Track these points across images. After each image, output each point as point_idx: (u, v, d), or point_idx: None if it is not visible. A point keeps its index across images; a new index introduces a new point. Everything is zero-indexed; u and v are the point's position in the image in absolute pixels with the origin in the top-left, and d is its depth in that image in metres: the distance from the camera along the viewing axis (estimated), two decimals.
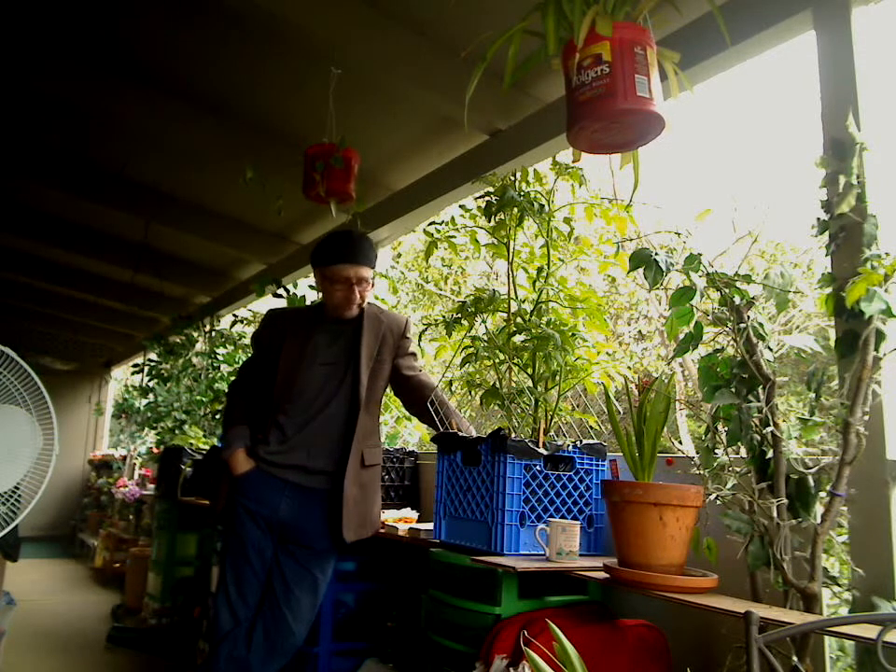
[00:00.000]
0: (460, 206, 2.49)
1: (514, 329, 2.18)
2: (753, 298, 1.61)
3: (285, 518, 2.26)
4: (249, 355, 2.73)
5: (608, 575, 1.63)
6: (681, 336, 1.71)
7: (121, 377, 9.70)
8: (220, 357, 5.15)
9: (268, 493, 2.26)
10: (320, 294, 2.47)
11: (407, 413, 2.93)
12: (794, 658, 1.44)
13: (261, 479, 2.27)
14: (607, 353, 2.21)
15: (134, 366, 6.25)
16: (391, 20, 2.65)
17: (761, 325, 1.61)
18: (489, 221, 2.28)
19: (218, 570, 2.30)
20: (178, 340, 5.48)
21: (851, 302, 1.48)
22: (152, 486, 5.65)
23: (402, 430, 3.46)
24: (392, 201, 3.71)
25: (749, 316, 1.60)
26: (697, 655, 1.84)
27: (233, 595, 2.20)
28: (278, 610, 2.19)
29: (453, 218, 2.42)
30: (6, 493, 2.44)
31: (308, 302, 3.58)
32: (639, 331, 8.03)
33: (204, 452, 4.20)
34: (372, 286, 2.42)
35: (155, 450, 5.69)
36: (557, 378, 2.17)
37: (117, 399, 8.59)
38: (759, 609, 1.18)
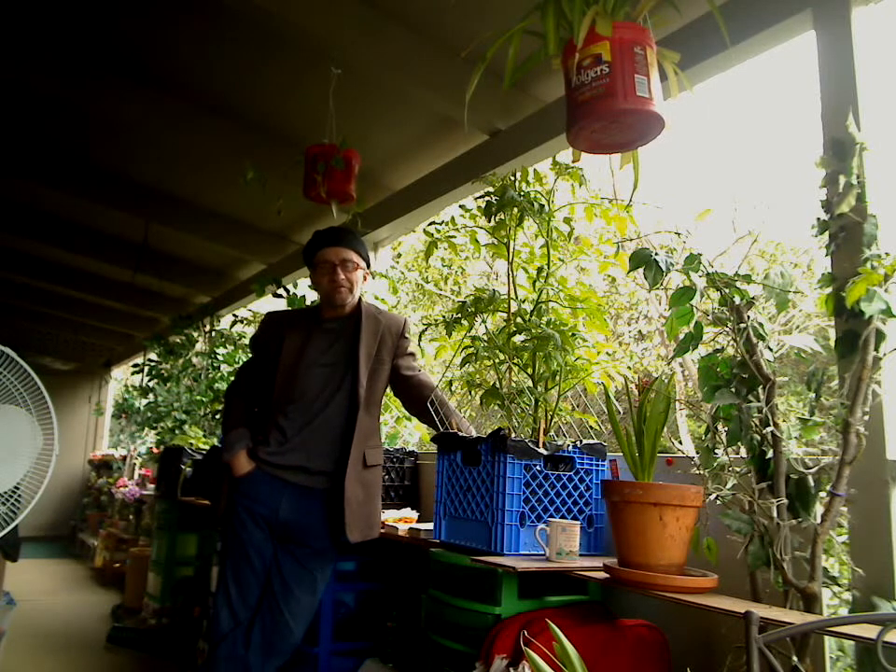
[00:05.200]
0: (460, 206, 2.48)
1: (514, 328, 2.18)
2: (753, 298, 1.61)
3: (285, 518, 2.26)
4: (248, 356, 2.73)
5: (608, 575, 1.63)
6: (681, 336, 1.71)
7: (121, 377, 9.70)
8: (220, 357, 5.15)
9: (268, 493, 2.26)
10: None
11: (407, 413, 2.93)
12: (794, 658, 1.44)
13: (262, 479, 2.27)
14: (607, 353, 2.21)
15: (134, 366, 6.26)
16: (391, 20, 2.65)
17: (761, 325, 1.61)
18: (489, 221, 2.28)
19: (218, 570, 2.29)
20: (178, 340, 5.48)
21: (851, 302, 1.48)
22: (152, 486, 5.65)
23: (402, 430, 3.46)
24: (392, 201, 3.71)
25: (749, 316, 1.60)
26: (697, 655, 1.84)
27: (234, 596, 2.20)
28: (277, 610, 2.19)
29: (453, 218, 2.42)
30: (6, 493, 2.44)
31: (308, 303, 3.59)
32: (639, 331, 8.03)
33: (204, 452, 4.20)
34: (365, 278, 2.43)
35: (155, 450, 5.69)
36: (557, 378, 2.17)
37: (117, 399, 8.59)
38: (759, 609, 1.18)
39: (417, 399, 2.47)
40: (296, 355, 2.34)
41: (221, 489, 2.35)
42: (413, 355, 2.53)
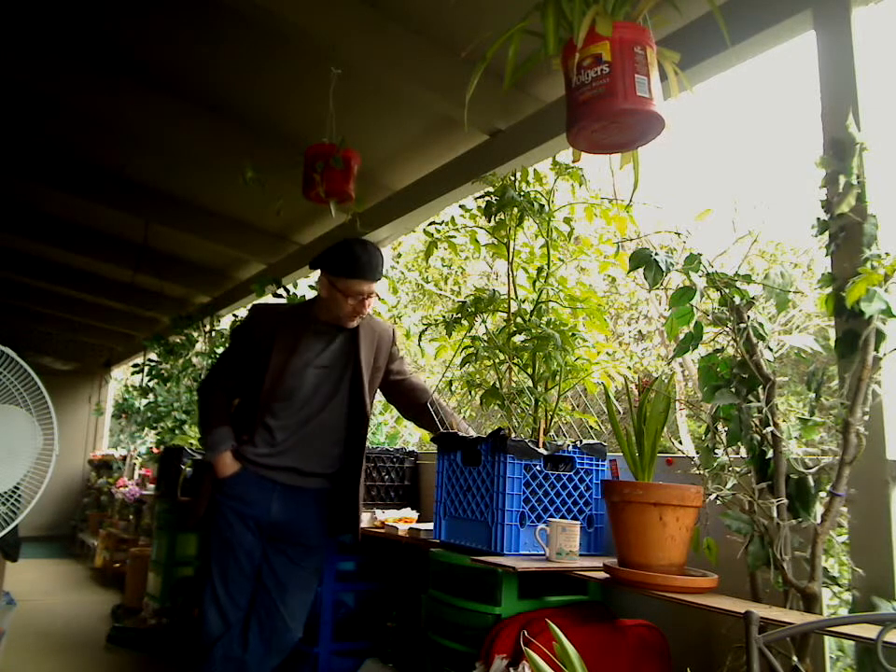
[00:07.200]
0: (460, 206, 2.48)
1: (514, 328, 2.18)
2: (753, 298, 1.61)
3: (277, 518, 2.25)
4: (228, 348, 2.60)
5: (608, 575, 1.63)
6: (681, 336, 1.71)
7: (121, 377, 9.69)
8: None
9: (258, 494, 2.24)
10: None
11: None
12: (794, 658, 1.44)
13: (250, 480, 2.24)
14: (607, 353, 2.21)
15: (134, 366, 6.25)
16: (391, 20, 2.65)
17: (761, 325, 1.61)
18: (489, 221, 2.28)
19: (203, 572, 2.24)
20: (178, 340, 5.48)
21: (851, 302, 1.48)
22: (152, 486, 5.65)
23: (402, 430, 3.47)
24: (392, 201, 3.71)
25: (749, 316, 1.60)
26: (697, 655, 1.84)
27: (222, 597, 2.17)
28: (273, 609, 2.19)
29: (453, 218, 2.42)
30: (6, 493, 2.44)
31: None
32: (639, 331, 8.03)
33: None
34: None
35: (155, 450, 5.69)
36: (557, 378, 2.17)
37: (117, 399, 8.59)
38: (759, 609, 1.18)
39: (413, 401, 2.49)
40: (288, 353, 2.28)
41: (202, 489, 2.29)
42: (403, 359, 2.55)
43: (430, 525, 2.24)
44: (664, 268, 1.63)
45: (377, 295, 2.33)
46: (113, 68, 3.27)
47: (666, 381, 1.72)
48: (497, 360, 2.19)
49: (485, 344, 2.17)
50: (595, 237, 2.30)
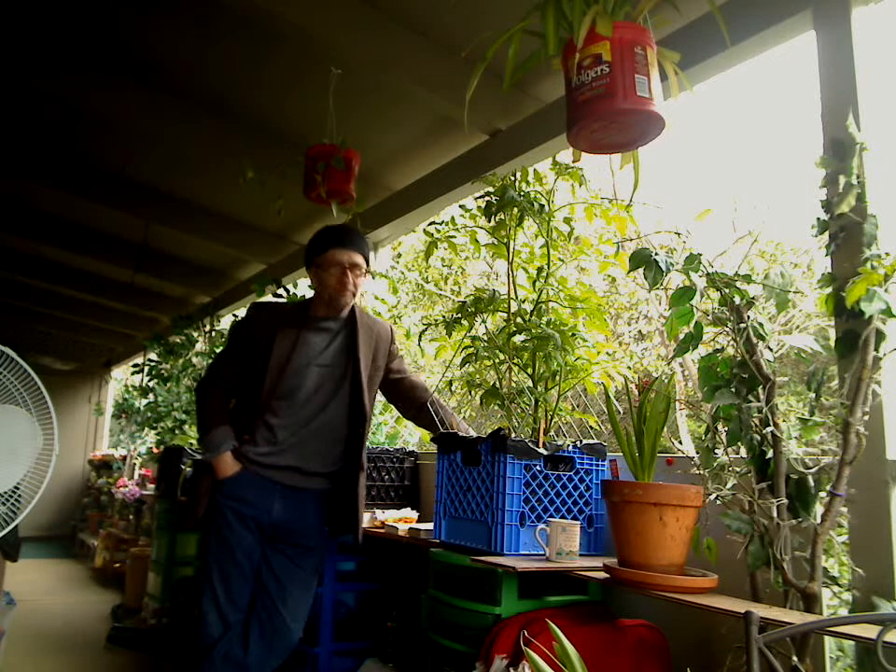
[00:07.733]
0: (460, 206, 2.48)
1: (514, 329, 2.18)
2: (753, 298, 1.61)
3: (278, 519, 2.23)
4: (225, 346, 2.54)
5: (608, 575, 1.63)
6: (681, 336, 1.71)
7: (121, 377, 9.70)
8: None
9: (259, 495, 2.22)
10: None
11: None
12: (794, 658, 1.44)
13: (251, 481, 2.22)
14: (607, 353, 2.21)
15: (134, 366, 6.25)
16: (391, 20, 2.65)
17: (761, 325, 1.61)
18: (489, 221, 2.28)
19: (202, 573, 2.22)
20: (178, 340, 5.48)
21: (851, 302, 1.48)
22: (152, 486, 5.65)
23: (402, 430, 3.47)
24: (392, 201, 3.71)
25: (749, 316, 1.60)
26: (697, 655, 1.84)
27: (221, 598, 2.15)
28: (274, 610, 2.18)
29: (453, 218, 2.42)
30: (6, 493, 2.45)
31: None
32: (639, 331, 8.03)
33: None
34: (365, 274, 2.38)
35: (155, 450, 5.69)
36: (557, 378, 2.17)
37: (117, 399, 8.59)
38: (759, 609, 1.18)
39: (414, 399, 2.49)
40: (289, 351, 2.27)
41: (199, 489, 2.27)
42: (402, 358, 2.56)
43: (430, 525, 2.24)
44: (664, 268, 1.63)
45: (363, 270, 2.32)
46: (113, 68, 3.27)
47: (666, 381, 1.72)
48: (497, 360, 2.19)
49: (485, 344, 2.17)
50: (595, 237, 2.30)
